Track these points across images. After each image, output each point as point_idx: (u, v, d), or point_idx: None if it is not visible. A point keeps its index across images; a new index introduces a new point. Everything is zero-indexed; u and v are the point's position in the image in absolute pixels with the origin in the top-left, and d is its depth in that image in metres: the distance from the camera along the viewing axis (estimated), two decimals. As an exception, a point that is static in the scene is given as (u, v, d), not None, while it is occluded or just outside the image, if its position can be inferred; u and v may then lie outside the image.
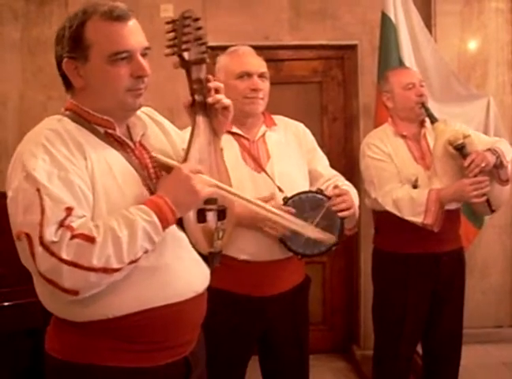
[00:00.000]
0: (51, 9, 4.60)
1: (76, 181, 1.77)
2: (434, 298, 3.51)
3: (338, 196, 2.70)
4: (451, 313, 3.56)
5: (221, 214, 2.06)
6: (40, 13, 4.60)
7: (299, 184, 2.83)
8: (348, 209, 2.70)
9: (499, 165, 3.26)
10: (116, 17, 1.87)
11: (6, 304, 3.64)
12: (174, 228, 1.92)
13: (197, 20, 2.04)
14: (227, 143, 2.80)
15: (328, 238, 2.65)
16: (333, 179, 2.96)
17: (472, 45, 4.96)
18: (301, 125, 3.07)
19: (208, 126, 2.09)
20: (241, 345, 2.87)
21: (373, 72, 4.58)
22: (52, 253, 1.67)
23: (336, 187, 2.76)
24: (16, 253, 1.77)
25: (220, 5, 4.77)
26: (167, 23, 2.03)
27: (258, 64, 2.87)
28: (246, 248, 2.73)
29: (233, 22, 4.75)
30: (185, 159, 2.00)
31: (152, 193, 1.91)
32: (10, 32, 4.61)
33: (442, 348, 3.59)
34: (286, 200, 2.68)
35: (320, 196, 2.73)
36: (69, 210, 1.72)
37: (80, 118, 1.93)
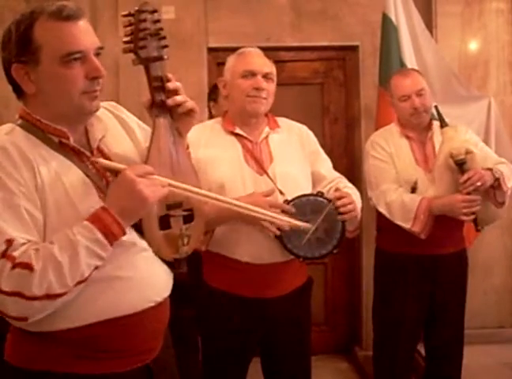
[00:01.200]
0: (53, 12, 4.60)
1: (22, 204, 1.70)
2: (433, 299, 3.51)
3: (339, 199, 2.69)
4: (453, 314, 3.57)
5: (187, 217, 1.99)
6: (42, 15, 4.60)
7: (301, 186, 2.83)
8: (349, 212, 2.71)
9: (497, 186, 3.27)
10: (66, 17, 1.77)
11: None
12: (129, 236, 1.84)
13: (154, 12, 1.91)
14: (230, 144, 2.81)
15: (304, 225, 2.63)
16: (335, 181, 2.96)
17: (473, 46, 4.97)
18: (304, 128, 3.06)
19: (171, 127, 1.98)
20: (243, 346, 2.88)
21: (374, 73, 4.59)
22: None
23: (337, 190, 2.77)
24: None
25: (222, 6, 4.77)
26: (123, 16, 1.90)
27: (263, 64, 2.86)
28: (248, 250, 2.74)
29: (235, 24, 4.75)
30: (145, 162, 1.91)
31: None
32: (12, 35, 4.61)
33: (445, 349, 3.59)
34: (287, 203, 2.69)
35: (321, 199, 2.72)
36: (9, 242, 1.65)
37: (33, 126, 1.84)
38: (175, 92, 1.97)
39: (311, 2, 4.89)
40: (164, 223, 1.93)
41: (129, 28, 1.90)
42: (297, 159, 2.92)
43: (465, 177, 3.19)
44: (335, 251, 2.76)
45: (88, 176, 1.83)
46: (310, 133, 3.06)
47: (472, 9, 4.93)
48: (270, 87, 2.86)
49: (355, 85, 5.05)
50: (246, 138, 2.85)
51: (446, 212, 3.30)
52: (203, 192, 2.03)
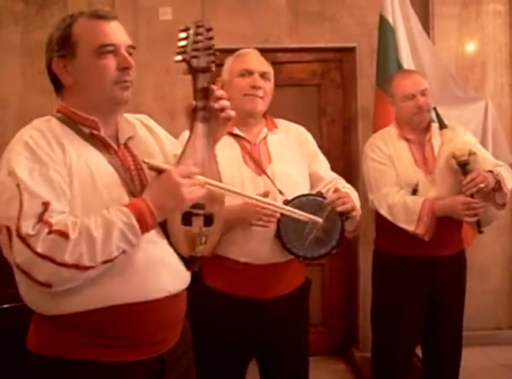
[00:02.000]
0: (51, 13, 4.60)
1: (55, 178, 1.83)
2: (432, 300, 3.51)
3: (338, 199, 2.70)
4: (451, 316, 3.57)
5: (208, 220, 2.08)
6: (40, 16, 4.61)
7: (299, 187, 2.83)
8: (348, 212, 2.71)
9: (497, 188, 3.27)
10: (100, 16, 1.98)
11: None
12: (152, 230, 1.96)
13: (209, 30, 2.10)
14: (228, 144, 2.81)
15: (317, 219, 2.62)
16: (333, 182, 2.96)
17: (470, 47, 4.98)
18: (302, 129, 3.07)
19: (206, 133, 2.10)
20: (241, 347, 2.87)
21: (371, 74, 4.59)
22: (28, 246, 1.73)
23: (336, 190, 2.77)
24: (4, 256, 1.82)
25: (220, 7, 4.77)
26: (181, 30, 2.09)
27: (261, 63, 2.88)
28: (247, 250, 2.74)
29: (232, 25, 4.75)
30: (178, 162, 2.03)
31: (132, 195, 1.94)
32: (10, 35, 4.61)
33: (442, 351, 3.59)
34: (286, 203, 2.68)
35: (320, 199, 2.73)
36: (45, 205, 1.77)
37: (67, 118, 1.99)
38: (220, 99, 2.09)
39: (309, 4, 4.89)
40: (186, 219, 2.03)
41: (184, 41, 2.07)
42: (295, 160, 2.93)
43: (469, 178, 3.19)
44: (334, 251, 2.77)
45: (113, 167, 1.96)
46: (309, 135, 3.07)
47: (469, 10, 4.94)
48: (267, 86, 2.87)
49: (353, 86, 5.05)
50: (244, 139, 2.86)
51: (449, 213, 3.31)
52: (236, 190, 2.19)
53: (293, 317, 2.90)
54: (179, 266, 2.06)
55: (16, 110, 4.58)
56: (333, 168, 3.12)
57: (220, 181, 2.15)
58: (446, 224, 3.34)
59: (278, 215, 2.61)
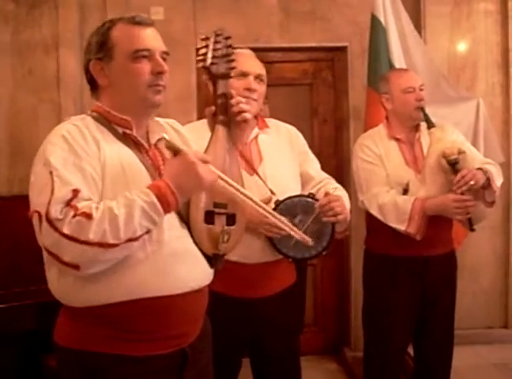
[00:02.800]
0: (42, 12, 4.59)
1: (88, 169, 1.91)
2: (423, 300, 3.51)
3: (328, 203, 2.69)
4: (442, 315, 3.57)
5: (230, 219, 2.17)
6: (30, 15, 4.59)
7: (290, 186, 2.84)
8: (337, 215, 2.70)
9: (487, 186, 3.28)
10: (137, 22, 2.08)
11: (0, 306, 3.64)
12: (177, 225, 2.05)
13: (228, 38, 2.23)
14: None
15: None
16: (324, 182, 2.97)
17: (462, 47, 4.98)
18: (293, 129, 3.07)
19: (227, 135, 2.23)
20: (233, 347, 2.87)
21: (363, 74, 4.60)
22: (55, 229, 1.80)
23: (327, 194, 2.75)
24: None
25: (210, 7, 4.76)
26: (202, 39, 2.23)
27: (255, 65, 2.87)
28: (237, 250, 2.72)
29: (223, 24, 4.66)
30: None
31: None
32: (0, 35, 4.58)
33: (434, 350, 3.59)
34: (278, 203, 2.69)
35: (311, 200, 2.74)
36: (75, 191, 1.84)
37: (101, 117, 2.08)
38: (239, 103, 2.26)
39: (300, 3, 4.90)
40: (209, 217, 2.12)
41: (204, 49, 2.21)
42: (286, 159, 2.93)
43: (459, 176, 3.19)
44: (324, 253, 2.78)
45: (144, 165, 2.05)
46: (299, 134, 3.07)
47: (460, 9, 4.95)
48: (261, 88, 2.87)
49: (344, 86, 5.05)
50: None
51: (440, 211, 3.32)
52: (247, 193, 2.17)
53: (284, 316, 2.90)
54: (203, 263, 2.13)
55: (7, 109, 4.56)
56: (325, 168, 3.12)
57: (242, 184, 2.23)
58: (436, 224, 3.35)
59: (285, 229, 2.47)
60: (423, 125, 3.52)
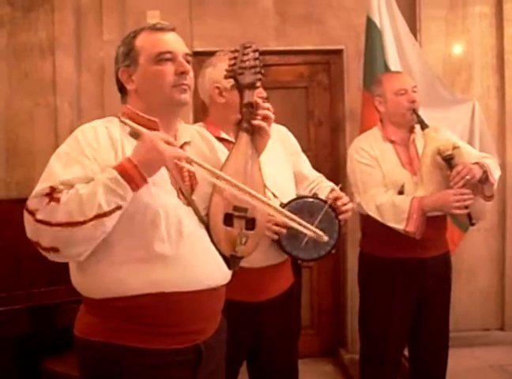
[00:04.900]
0: (37, 16, 4.60)
1: (87, 164, 1.99)
2: (419, 302, 3.52)
3: (336, 199, 2.72)
4: (437, 316, 3.57)
5: (249, 223, 2.20)
6: (26, 19, 4.59)
7: (288, 188, 2.86)
8: (347, 212, 2.75)
9: (484, 180, 3.28)
10: (159, 28, 2.19)
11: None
12: (196, 225, 2.11)
13: (256, 51, 2.34)
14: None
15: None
16: (317, 181, 3.00)
17: (457, 49, 5.00)
18: (284, 129, 3.08)
19: (250, 143, 2.27)
20: (234, 351, 2.84)
21: (359, 76, 4.60)
22: (33, 217, 1.91)
23: (332, 191, 2.78)
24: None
25: (207, 10, 4.78)
26: (232, 51, 2.36)
27: None
28: None
29: (219, 27, 4.76)
30: (221, 169, 2.17)
31: (181, 193, 2.11)
32: (-4, 38, 4.60)
33: (429, 352, 3.59)
34: (283, 207, 2.68)
35: (317, 201, 2.76)
36: (52, 188, 1.92)
37: (129, 119, 2.13)
38: (264, 119, 2.30)
39: (296, 6, 4.91)
40: (228, 220, 2.16)
41: (233, 60, 2.32)
42: (281, 161, 2.94)
43: (454, 171, 3.20)
44: (333, 251, 2.79)
45: (167, 169, 2.09)
46: (290, 134, 3.09)
47: (455, 12, 4.96)
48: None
49: (340, 89, 5.07)
50: (231, 142, 2.84)
51: (439, 208, 3.33)
52: (263, 198, 2.21)
53: (285, 318, 2.91)
54: (221, 263, 2.17)
55: (3, 113, 4.57)
56: (321, 170, 3.14)
57: (263, 191, 2.30)
58: (432, 225, 3.35)
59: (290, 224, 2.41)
60: (418, 127, 3.53)
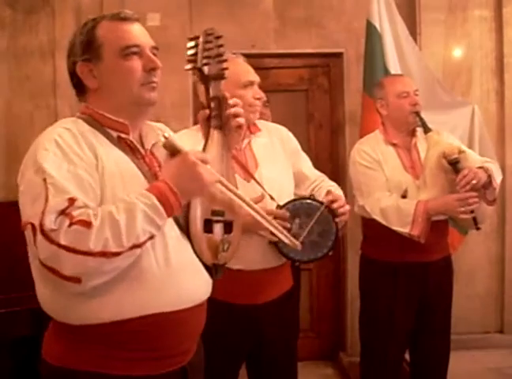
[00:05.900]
0: (38, 18, 4.61)
1: (84, 177, 1.79)
2: (421, 306, 3.51)
3: (333, 202, 2.70)
4: (439, 320, 3.58)
5: (227, 227, 2.07)
6: (27, 21, 4.60)
7: (287, 189, 2.85)
8: (343, 214, 2.72)
9: (487, 185, 3.27)
10: (123, 18, 1.97)
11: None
12: (178, 236, 1.95)
13: (219, 37, 2.13)
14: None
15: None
16: (318, 181, 2.99)
17: (457, 53, 5.00)
18: (284, 129, 3.07)
19: (222, 140, 2.13)
20: (234, 355, 2.87)
21: (359, 79, 4.61)
22: (51, 241, 1.65)
23: (328, 193, 2.76)
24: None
25: (207, 13, 4.78)
26: (190, 39, 2.11)
27: (255, 73, 2.89)
28: (240, 258, 2.69)
29: (219, 30, 4.72)
30: None
31: None
32: (-3, 41, 4.61)
33: (430, 355, 3.59)
34: (279, 208, 2.69)
35: (314, 202, 2.74)
36: (71, 200, 1.71)
37: (94, 121, 1.97)
38: (233, 107, 2.14)
39: (296, 9, 4.91)
40: (207, 226, 2.02)
41: (193, 50, 2.10)
42: (281, 162, 2.93)
43: (461, 175, 3.18)
44: (330, 253, 2.79)
45: (141, 171, 1.94)
46: (290, 134, 3.07)
47: (455, 16, 4.96)
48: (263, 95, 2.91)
49: (340, 92, 5.08)
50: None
51: (444, 211, 3.33)
52: (243, 196, 2.05)
53: (284, 320, 2.91)
54: (205, 275, 2.04)
55: (4, 115, 4.57)
56: (321, 173, 3.13)
57: (236, 187, 2.11)
58: (435, 229, 3.35)
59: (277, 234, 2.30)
60: (419, 130, 3.53)
